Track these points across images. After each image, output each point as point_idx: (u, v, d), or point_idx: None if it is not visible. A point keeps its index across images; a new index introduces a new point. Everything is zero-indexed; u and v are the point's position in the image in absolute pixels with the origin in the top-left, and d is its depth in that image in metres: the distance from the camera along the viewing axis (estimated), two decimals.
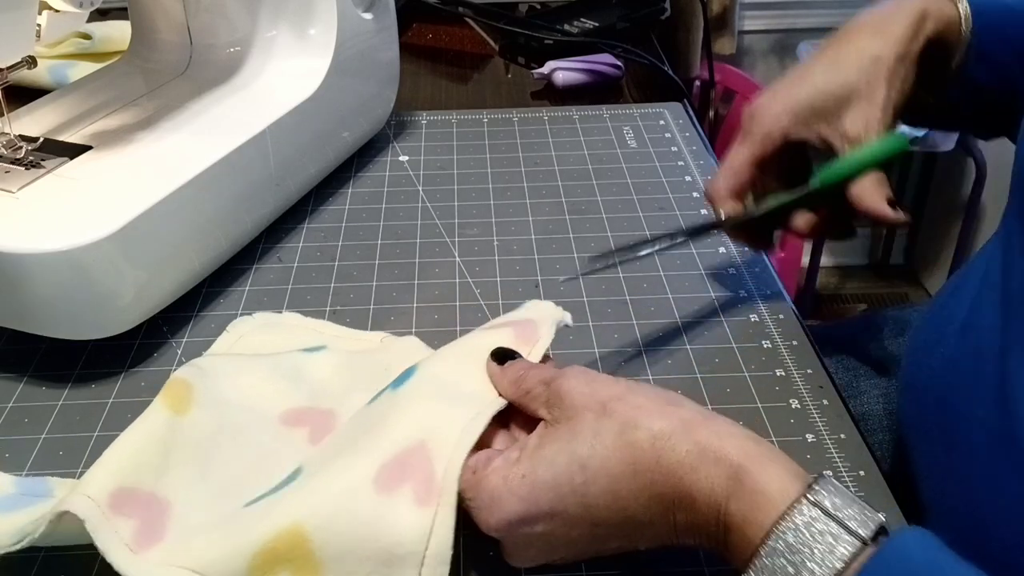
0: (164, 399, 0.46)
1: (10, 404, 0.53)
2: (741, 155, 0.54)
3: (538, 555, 0.39)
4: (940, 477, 0.45)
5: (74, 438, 0.50)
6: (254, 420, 0.47)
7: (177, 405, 0.46)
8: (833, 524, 0.31)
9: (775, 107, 0.53)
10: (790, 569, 0.31)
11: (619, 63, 0.94)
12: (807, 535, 0.31)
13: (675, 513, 0.35)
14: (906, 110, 0.54)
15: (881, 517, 0.32)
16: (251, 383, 0.49)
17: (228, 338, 0.56)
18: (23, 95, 0.67)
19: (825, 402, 0.52)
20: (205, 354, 0.55)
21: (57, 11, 0.55)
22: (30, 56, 0.56)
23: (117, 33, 0.87)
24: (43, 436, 0.50)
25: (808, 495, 0.32)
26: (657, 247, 0.54)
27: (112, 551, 0.40)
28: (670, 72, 0.95)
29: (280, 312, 0.59)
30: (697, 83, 1.71)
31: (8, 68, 0.55)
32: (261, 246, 0.66)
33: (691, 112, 0.86)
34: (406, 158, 0.78)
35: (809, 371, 0.55)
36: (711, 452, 0.35)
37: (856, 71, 0.52)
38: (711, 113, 1.93)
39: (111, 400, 0.53)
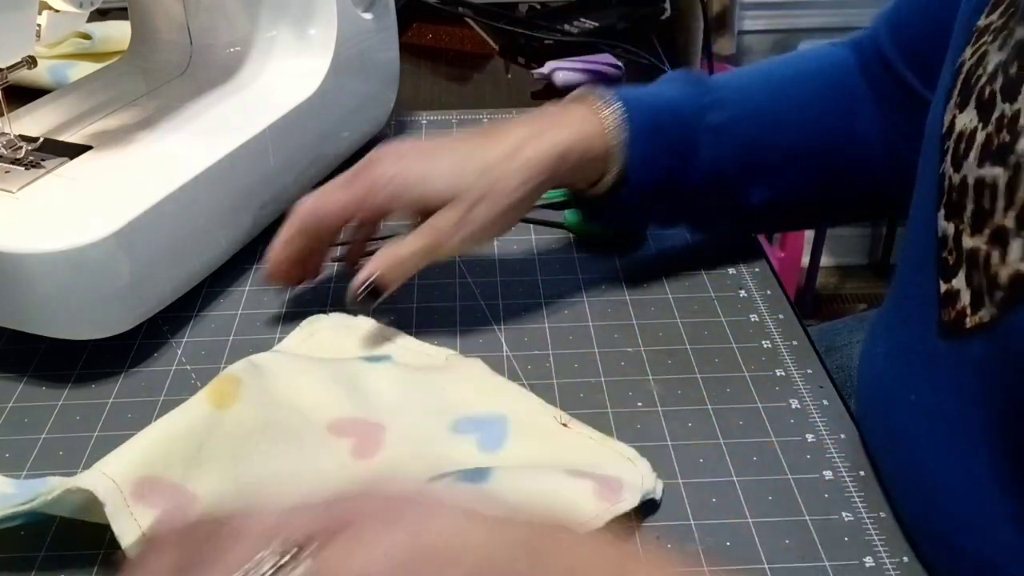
0: (208, 393, 0.46)
1: (10, 404, 0.53)
2: (339, 194, 0.53)
3: None
4: (892, 472, 0.45)
5: (74, 438, 0.50)
6: (300, 424, 0.47)
7: (220, 400, 0.46)
8: None
9: (390, 183, 0.52)
10: None
11: (619, 63, 0.94)
12: None
13: None
14: (582, 207, 0.59)
15: None
16: (306, 386, 0.49)
17: (301, 334, 0.56)
18: (23, 95, 0.67)
19: (825, 402, 0.52)
20: (275, 348, 0.54)
21: (57, 11, 0.55)
22: (30, 56, 0.56)
23: (117, 33, 0.87)
24: (43, 436, 0.50)
25: None
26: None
27: (128, 539, 0.40)
28: (670, 72, 0.95)
29: (354, 316, 0.57)
30: None
31: (8, 68, 0.56)
32: (261, 246, 0.66)
33: None
34: None
35: (809, 371, 0.55)
36: None
37: (471, 184, 0.52)
38: None
39: (111, 400, 0.53)
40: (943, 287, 0.41)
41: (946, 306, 0.40)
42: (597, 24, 1.02)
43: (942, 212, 0.41)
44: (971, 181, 0.39)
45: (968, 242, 0.39)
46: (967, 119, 0.40)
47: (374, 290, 0.52)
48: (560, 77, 0.92)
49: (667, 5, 1.10)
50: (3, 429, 0.51)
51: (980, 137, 0.38)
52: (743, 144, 0.57)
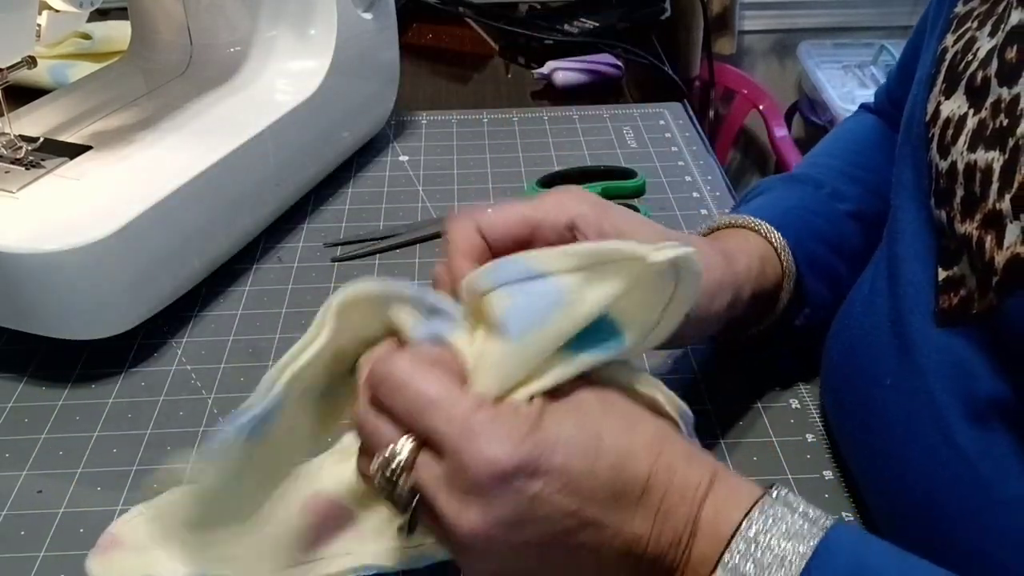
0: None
1: (10, 404, 0.53)
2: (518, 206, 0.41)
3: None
4: (862, 455, 0.45)
5: (74, 438, 0.50)
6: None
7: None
8: (798, 516, 0.33)
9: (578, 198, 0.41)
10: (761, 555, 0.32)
11: (619, 63, 0.94)
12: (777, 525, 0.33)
13: (661, 501, 0.34)
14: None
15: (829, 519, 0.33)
16: None
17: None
18: (23, 95, 0.67)
19: None
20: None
21: (57, 11, 0.55)
22: (30, 56, 0.56)
23: (117, 33, 0.87)
24: (43, 436, 0.50)
25: (771, 493, 0.34)
26: None
27: None
28: (670, 72, 0.95)
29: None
30: (697, 83, 1.71)
31: (8, 68, 0.56)
32: (261, 246, 0.66)
33: (691, 112, 0.86)
34: (406, 158, 0.78)
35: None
36: (694, 457, 0.35)
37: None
38: (711, 113, 1.93)
39: (111, 400, 0.53)
40: (942, 274, 0.40)
41: (945, 292, 0.40)
42: (597, 24, 1.02)
43: (933, 200, 0.41)
44: (961, 167, 0.38)
45: (959, 228, 0.38)
46: (954, 106, 0.40)
47: None
48: (560, 77, 0.92)
49: (667, 5, 1.10)
50: (3, 429, 0.51)
51: (971, 123, 0.38)
52: (881, 224, 0.50)
